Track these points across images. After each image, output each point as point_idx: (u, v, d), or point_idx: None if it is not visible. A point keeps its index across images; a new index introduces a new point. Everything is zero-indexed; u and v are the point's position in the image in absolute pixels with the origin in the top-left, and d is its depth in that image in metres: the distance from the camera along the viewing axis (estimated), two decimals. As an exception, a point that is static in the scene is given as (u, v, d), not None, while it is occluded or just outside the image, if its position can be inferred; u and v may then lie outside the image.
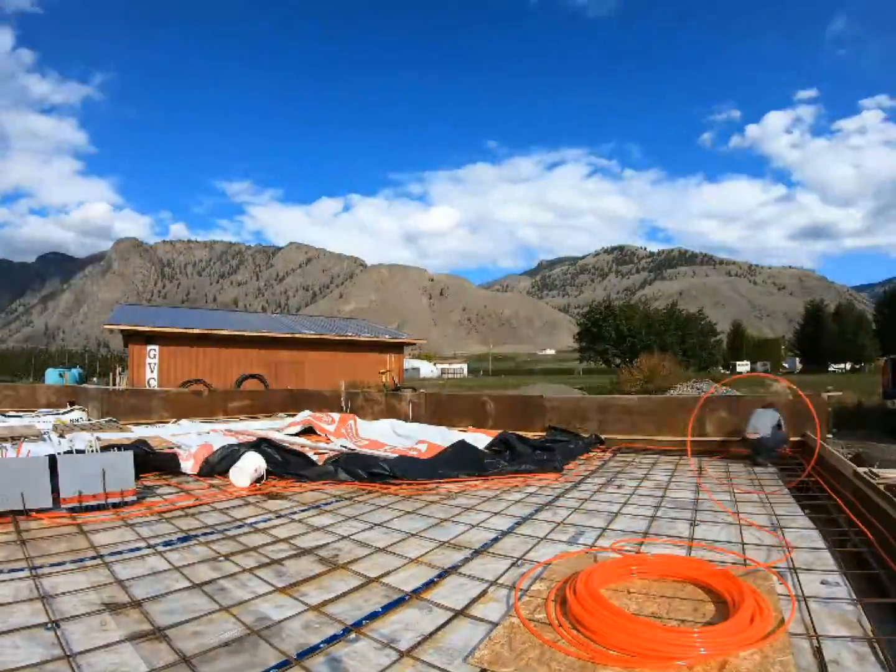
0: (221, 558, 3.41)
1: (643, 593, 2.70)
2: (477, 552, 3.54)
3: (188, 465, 6.26)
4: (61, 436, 8.01)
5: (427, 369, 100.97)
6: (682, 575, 2.86)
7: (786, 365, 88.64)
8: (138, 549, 3.58)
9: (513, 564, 3.29)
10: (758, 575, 2.92)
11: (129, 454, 4.77)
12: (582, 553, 3.41)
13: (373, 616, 2.58)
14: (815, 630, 2.38)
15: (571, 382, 37.29)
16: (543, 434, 8.85)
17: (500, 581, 3.01)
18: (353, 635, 2.39)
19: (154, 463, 6.22)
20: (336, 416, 10.01)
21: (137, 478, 5.04)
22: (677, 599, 2.63)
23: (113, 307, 26.56)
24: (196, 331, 20.90)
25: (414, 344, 30.84)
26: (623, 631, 2.16)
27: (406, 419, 10.82)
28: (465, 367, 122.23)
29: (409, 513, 4.65)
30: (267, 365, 21.40)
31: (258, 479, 5.76)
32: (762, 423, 6.83)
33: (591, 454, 7.98)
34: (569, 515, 4.51)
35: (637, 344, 51.38)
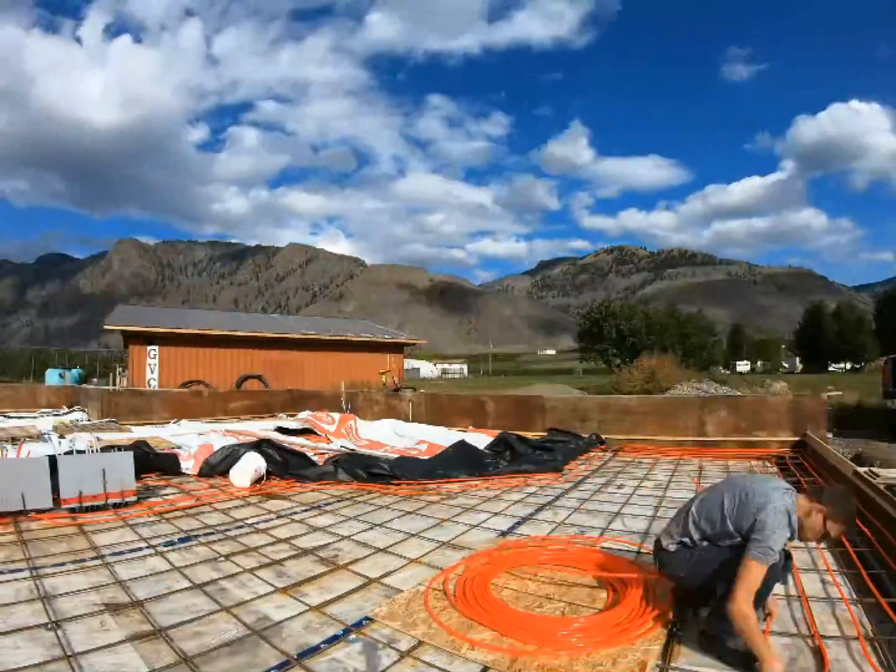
0: (222, 559, 3.41)
1: (548, 579, 3.03)
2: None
3: (188, 466, 6.26)
4: (61, 436, 7.99)
5: (427, 369, 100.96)
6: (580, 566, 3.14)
7: (786, 365, 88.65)
8: (139, 549, 3.58)
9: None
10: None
11: (130, 455, 4.77)
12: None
13: (373, 616, 2.58)
14: (815, 630, 2.38)
15: (571, 382, 37.23)
16: (543, 434, 8.84)
17: (500, 581, 3.01)
18: (353, 635, 2.39)
19: (154, 463, 6.21)
20: (336, 416, 10.01)
21: (138, 478, 5.04)
22: (577, 586, 2.92)
23: (113, 308, 26.58)
24: (196, 331, 20.87)
25: (414, 344, 30.83)
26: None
27: (406, 419, 10.81)
28: (465, 367, 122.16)
29: (409, 513, 4.65)
30: (267, 365, 21.37)
31: (258, 480, 5.75)
32: None
33: (592, 454, 7.98)
34: (569, 515, 4.51)
35: (637, 344, 51.36)
